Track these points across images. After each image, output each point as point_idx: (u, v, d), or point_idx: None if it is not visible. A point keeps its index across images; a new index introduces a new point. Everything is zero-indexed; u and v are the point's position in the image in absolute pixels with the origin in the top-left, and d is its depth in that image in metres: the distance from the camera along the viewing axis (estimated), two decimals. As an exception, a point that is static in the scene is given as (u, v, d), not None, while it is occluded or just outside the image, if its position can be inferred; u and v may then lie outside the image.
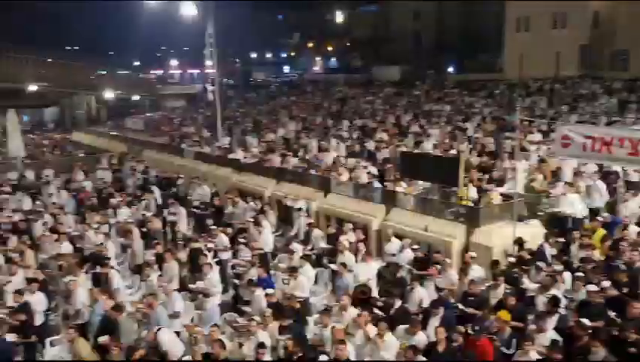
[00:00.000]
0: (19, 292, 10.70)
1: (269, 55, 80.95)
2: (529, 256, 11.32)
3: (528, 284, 10.28)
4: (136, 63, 69.01)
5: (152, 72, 69.35)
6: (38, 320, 10.71)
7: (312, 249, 13.88)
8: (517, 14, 38.15)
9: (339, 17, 66.76)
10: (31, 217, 16.61)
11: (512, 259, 11.31)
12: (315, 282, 12.33)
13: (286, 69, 79.52)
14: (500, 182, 15.05)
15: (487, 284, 10.51)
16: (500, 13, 40.77)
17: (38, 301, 10.81)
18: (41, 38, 53.62)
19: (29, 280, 11.23)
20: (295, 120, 29.32)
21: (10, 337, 9.66)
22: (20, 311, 10.15)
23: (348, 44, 69.11)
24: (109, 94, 52.60)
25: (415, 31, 56.28)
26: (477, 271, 10.96)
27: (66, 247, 13.75)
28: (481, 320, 8.89)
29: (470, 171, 15.14)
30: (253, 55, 78.97)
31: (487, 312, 9.01)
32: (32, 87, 47.21)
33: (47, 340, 10.64)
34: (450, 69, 50.61)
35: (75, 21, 64.02)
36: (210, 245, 13.61)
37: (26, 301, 10.44)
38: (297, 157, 20.30)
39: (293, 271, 11.46)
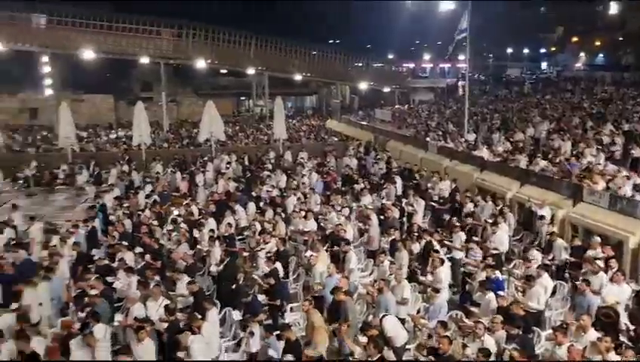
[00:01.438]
0: (270, 258, 12.05)
1: (526, 50, 76.50)
2: None
3: None
4: (391, 57, 71.20)
5: (404, 65, 70.85)
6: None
7: (552, 259, 12.87)
8: None
9: (612, 9, 60.04)
10: (285, 194, 18.51)
11: None
12: (552, 295, 11.43)
13: (543, 65, 74.31)
14: None
15: None
16: None
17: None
18: (307, 32, 58.77)
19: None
20: (548, 120, 27.32)
21: (261, 297, 10.97)
22: (270, 276, 11.39)
23: (620, 38, 61.65)
24: (362, 85, 55.47)
25: None
26: None
27: (312, 224, 14.96)
28: None
29: None
30: (509, 50, 75.41)
31: None
32: (298, 77, 52.27)
33: (289, 306, 11.82)
34: None
35: (339, 17, 68.87)
36: (445, 241, 13.60)
37: (275, 267, 11.67)
38: (547, 159, 18.90)
39: (529, 279, 10.80)
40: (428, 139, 26.84)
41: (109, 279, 11.61)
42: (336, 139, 34.74)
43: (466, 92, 26.64)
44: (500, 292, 10.13)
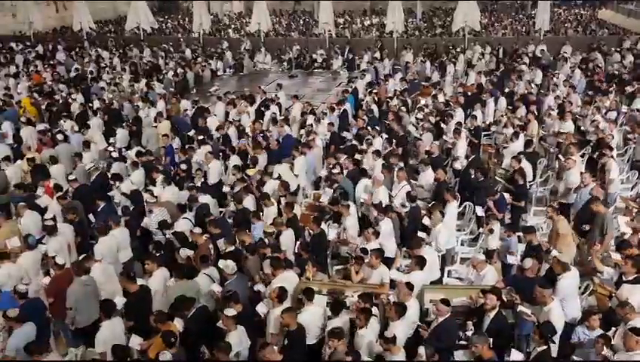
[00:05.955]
0: (516, 157, 11.47)
1: None
2: None
3: None
4: None
5: None
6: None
7: None
8: None
9: None
10: (541, 91, 17.11)
11: None
12: None
13: None
14: None
15: None
16: None
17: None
18: None
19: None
20: None
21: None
22: (516, 175, 10.88)
23: None
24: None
25: None
26: None
27: (568, 126, 13.65)
28: None
29: None
30: None
31: None
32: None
33: (532, 208, 11.30)
34: None
35: None
36: None
37: (522, 167, 11.10)
38: None
39: None
40: None
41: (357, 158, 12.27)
42: (608, 31, 30.35)
43: None
44: None
